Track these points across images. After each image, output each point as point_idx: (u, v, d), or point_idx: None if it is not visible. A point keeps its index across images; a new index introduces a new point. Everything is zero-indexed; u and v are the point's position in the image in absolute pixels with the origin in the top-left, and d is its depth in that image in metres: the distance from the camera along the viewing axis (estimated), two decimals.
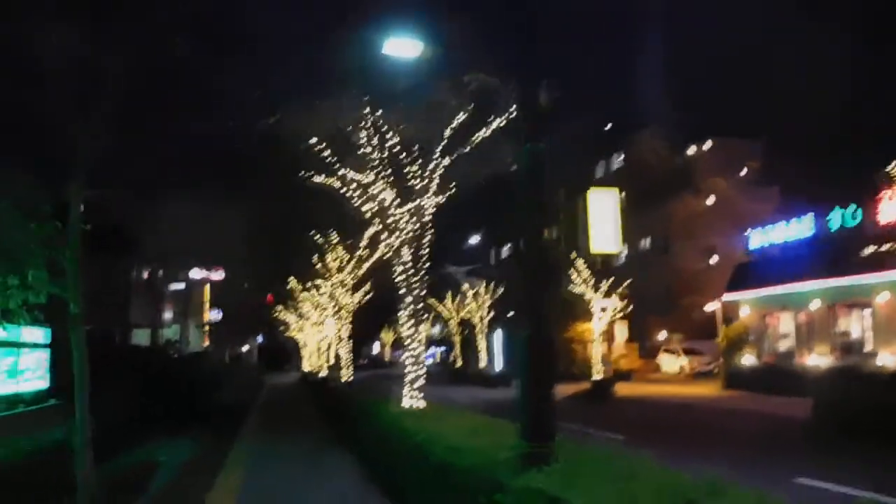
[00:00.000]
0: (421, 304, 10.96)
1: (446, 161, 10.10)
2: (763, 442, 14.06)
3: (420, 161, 10.31)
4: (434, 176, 10.20)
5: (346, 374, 23.74)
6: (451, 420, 8.44)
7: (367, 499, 9.00)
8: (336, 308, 25.73)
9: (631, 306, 31.08)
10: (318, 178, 11.71)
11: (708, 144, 46.47)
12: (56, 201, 8.08)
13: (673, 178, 47.35)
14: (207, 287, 47.64)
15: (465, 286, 45.85)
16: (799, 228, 26.53)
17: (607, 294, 29.57)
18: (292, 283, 33.05)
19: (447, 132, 10.15)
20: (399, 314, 11.14)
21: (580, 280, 28.16)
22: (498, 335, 48.82)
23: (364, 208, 10.93)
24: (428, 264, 10.76)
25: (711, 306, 31.51)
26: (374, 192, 10.58)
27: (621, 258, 46.89)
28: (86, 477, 6.75)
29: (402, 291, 10.73)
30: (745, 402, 22.54)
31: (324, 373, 34.02)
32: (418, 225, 10.50)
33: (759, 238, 29.09)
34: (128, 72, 6.67)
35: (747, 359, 28.38)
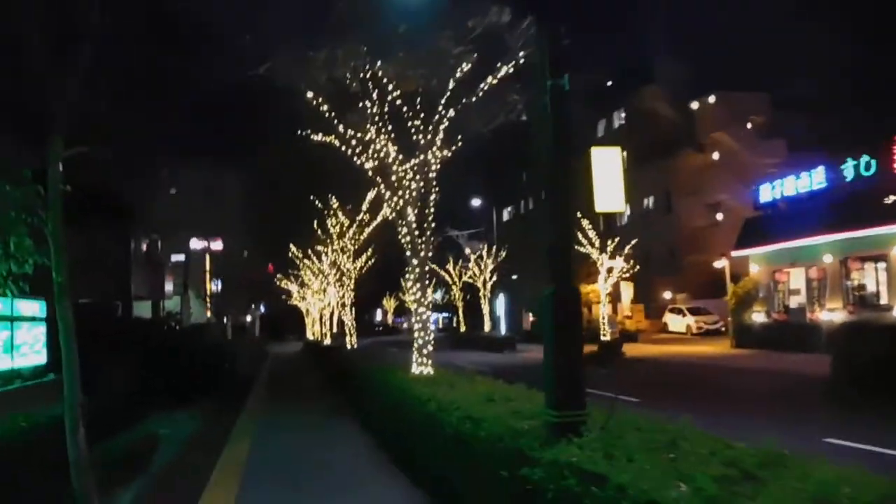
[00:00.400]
0: (427, 267, 10.47)
1: (451, 113, 9.49)
2: (783, 401, 13.71)
3: (423, 114, 9.71)
4: (439, 129, 9.60)
5: (351, 341, 23.39)
6: (463, 386, 8.00)
7: (377, 469, 8.62)
8: (338, 275, 25.30)
9: (637, 266, 30.69)
10: (317, 137, 11.13)
11: (712, 99, 45.44)
12: (37, 166, 7.56)
13: (676, 134, 46.57)
14: (208, 257, 47.20)
15: (468, 250, 45.30)
16: (811, 181, 25.85)
17: (612, 255, 29.16)
18: (293, 250, 32.56)
19: (451, 84, 9.55)
20: (406, 277, 10.67)
21: (585, 241, 27.71)
22: (501, 300, 48.47)
23: (366, 166, 10.35)
24: (434, 224, 10.23)
25: (719, 263, 31.02)
26: (377, 147, 9.98)
27: (624, 218, 46.36)
28: (79, 458, 6.30)
29: (407, 254, 10.22)
30: (758, 360, 22.22)
31: (327, 340, 33.74)
32: (423, 182, 9.93)
33: (769, 192, 28.44)
34: (106, 19, 6.07)
35: (757, 316, 28.00)
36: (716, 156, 43.97)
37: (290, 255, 33.22)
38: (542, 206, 5.16)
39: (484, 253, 43.14)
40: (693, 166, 45.17)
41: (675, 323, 40.19)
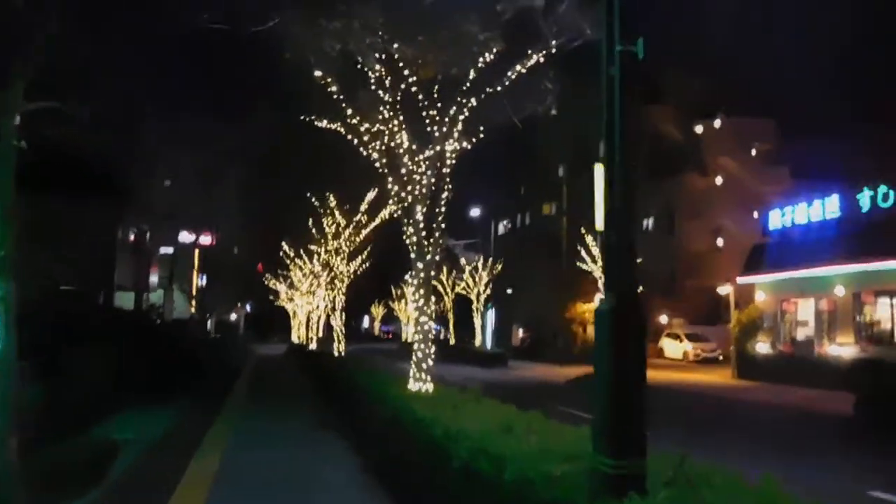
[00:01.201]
0: (433, 272, 9.47)
1: (473, 102, 8.52)
2: (808, 442, 12.64)
3: (441, 103, 8.74)
4: (457, 120, 8.62)
5: (339, 348, 22.29)
6: (469, 409, 7.00)
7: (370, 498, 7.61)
8: (330, 277, 24.23)
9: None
10: (322, 124, 10.15)
11: (718, 122, 44.77)
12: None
13: (680, 155, 45.78)
14: (197, 252, 45.88)
15: (463, 261, 44.20)
16: (823, 210, 24.94)
17: None
18: (284, 248, 31.45)
19: (472, 73, 8.60)
20: (407, 282, 9.68)
21: (589, 257, 26.80)
22: (491, 314, 47.43)
23: (373, 157, 9.35)
24: (444, 224, 9.21)
25: (724, 289, 30.05)
26: (388, 136, 9.00)
27: None
28: (3, 471, 5.22)
29: (412, 256, 9.21)
30: (765, 393, 21.31)
31: (313, 345, 32.55)
32: (435, 178, 8.94)
33: (779, 219, 27.53)
34: None
35: (761, 346, 27.02)
36: (720, 180, 43.27)
37: (281, 253, 32.12)
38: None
39: (479, 265, 42.04)
40: (696, 189, 44.43)
41: (672, 349, 39.19)
